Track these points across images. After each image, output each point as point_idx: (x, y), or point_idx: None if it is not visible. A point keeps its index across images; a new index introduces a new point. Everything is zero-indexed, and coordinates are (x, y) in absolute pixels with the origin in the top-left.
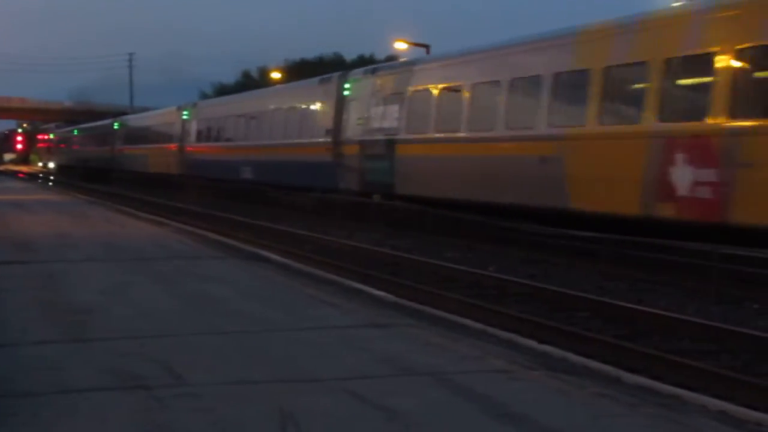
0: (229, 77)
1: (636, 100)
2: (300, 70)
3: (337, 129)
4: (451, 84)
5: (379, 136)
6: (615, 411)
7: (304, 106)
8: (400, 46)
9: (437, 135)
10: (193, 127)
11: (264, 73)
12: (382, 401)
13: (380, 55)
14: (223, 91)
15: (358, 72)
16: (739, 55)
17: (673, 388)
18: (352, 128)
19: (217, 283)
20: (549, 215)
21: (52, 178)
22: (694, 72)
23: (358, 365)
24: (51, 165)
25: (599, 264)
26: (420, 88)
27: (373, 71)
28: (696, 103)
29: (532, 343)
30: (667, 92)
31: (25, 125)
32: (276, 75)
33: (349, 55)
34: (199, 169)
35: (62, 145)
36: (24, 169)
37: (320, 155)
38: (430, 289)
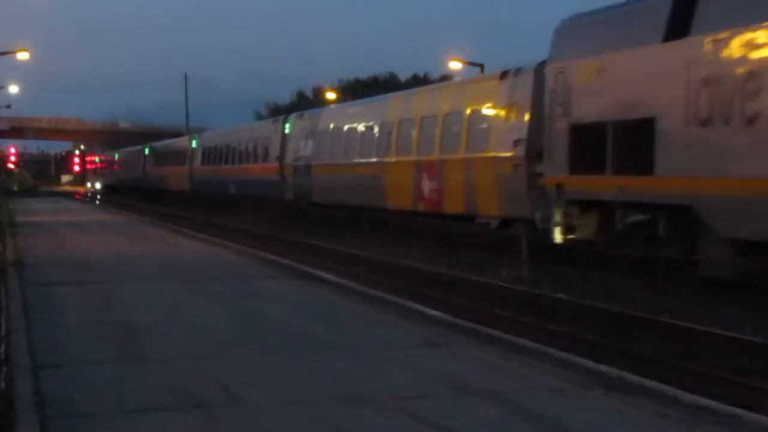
0: (284, 97)
1: (409, 141)
2: (354, 90)
3: (281, 156)
4: (336, 127)
5: (303, 162)
6: (673, 431)
7: (264, 139)
8: (455, 65)
9: (330, 161)
10: (199, 153)
11: (318, 93)
12: (438, 420)
13: (435, 73)
14: (277, 111)
15: (293, 115)
16: (443, 119)
17: (731, 408)
18: (290, 155)
19: (272, 303)
20: (380, 211)
21: (98, 197)
22: (431, 125)
23: (414, 384)
24: (98, 185)
25: (655, 282)
26: (323, 128)
27: (300, 115)
28: (430, 143)
29: (588, 363)
30: (420, 137)
31: (82, 146)
32: (330, 95)
33: (404, 75)
34: (202, 186)
35: (106, 167)
36: (81, 190)
37: (272, 175)
38: (485, 308)
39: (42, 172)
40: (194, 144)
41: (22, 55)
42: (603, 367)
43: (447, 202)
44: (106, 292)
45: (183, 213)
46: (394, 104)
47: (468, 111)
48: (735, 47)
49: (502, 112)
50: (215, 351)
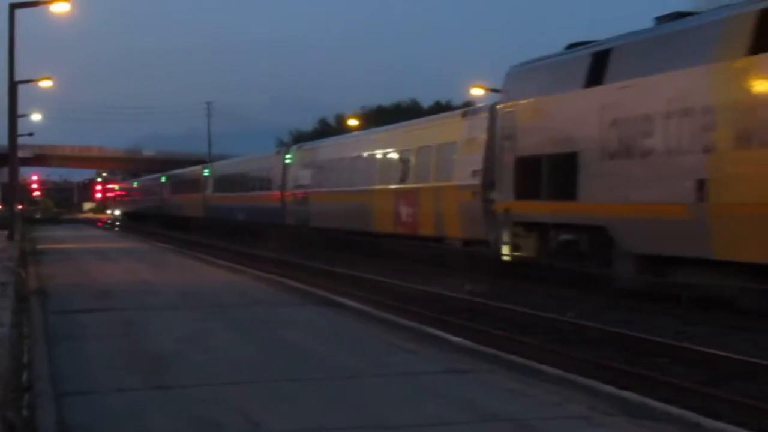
0: (308, 124)
1: (391, 171)
2: (377, 117)
3: (283, 185)
4: (331, 158)
5: (302, 190)
6: None
7: (268, 168)
8: (477, 92)
9: (324, 189)
10: (211, 182)
11: (341, 120)
12: None
13: (457, 100)
14: (300, 138)
15: (294, 147)
16: (417, 152)
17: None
18: (290, 184)
19: (294, 330)
20: (367, 234)
21: (117, 224)
22: (408, 158)
23: (437, 412)
24: (117, 212)
25: (680, 309)
26: (319, 159)
27: (300, 147)
28: (407, 173)
29: (612, 389)
30: (400, 168)
31: (104, 174)
32: (353, 122)
33: (426, 101)
34: (214, 212)
35: (125, 195)
36: (103, 217)
37: (275, 202)
38: (509, 334)
39: (65, 200)
40: (207, 173)
41: (46, 83)
42: (626, 393)
43: (421, 225)
44: (129, 319)
45: (203, 240)
46: (379, 138)
47: (436, 145)
48: (634, 94)
49: (463, 147)
50: (237, 379)
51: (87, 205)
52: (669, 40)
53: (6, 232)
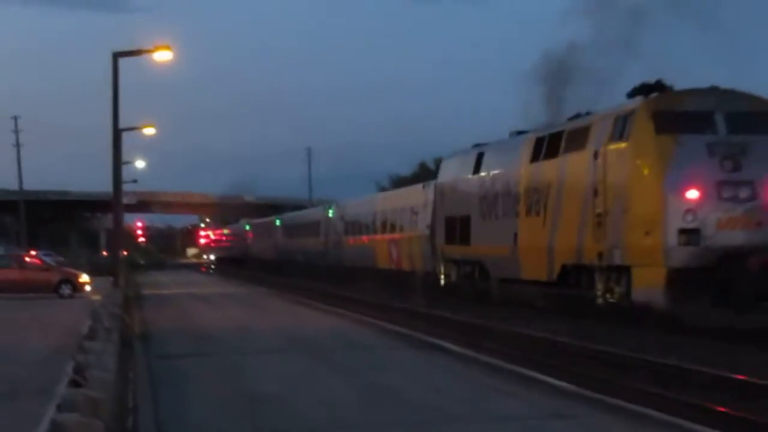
0: (406, 168)
1: (386, 225)
2: None
3: (326, 233)
4: (351, 214)
5: (336, 238)
6: None
7: (316, 220)
8: None
9: (349, 237)
10: (281, 230)
11: (439, 163)
12: None
13: None
14: (399, 182)
15: (334, 204)
16: (400, 211)
17: None
18: (330, 233)
19: (395, 374)
20: (373, 270)
21: (212, 268)
22: (393, 215)
23: None
24: (212, 257)
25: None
26: (347, 214)
27: (337, 204)
28: (394, 226)
29: None
30: (389, 222)
31: (207, 220)
32: None
33: None
34: (283, 255)
35: (219, 241)
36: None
37: (321, 246)
38: (610, 378)
39: (168, 246)
40: (278, 223)
41: (149, 131)
42: None
43: (402, 262)
44: (231, 364)
45: (303, 284)
46: (379, 200)
47: (409, 207)
48: (490, 180)
49: (422, 208)
50: (340, 424)
51: (190, 251)
52: (507, 148)
53: (111, 278)
